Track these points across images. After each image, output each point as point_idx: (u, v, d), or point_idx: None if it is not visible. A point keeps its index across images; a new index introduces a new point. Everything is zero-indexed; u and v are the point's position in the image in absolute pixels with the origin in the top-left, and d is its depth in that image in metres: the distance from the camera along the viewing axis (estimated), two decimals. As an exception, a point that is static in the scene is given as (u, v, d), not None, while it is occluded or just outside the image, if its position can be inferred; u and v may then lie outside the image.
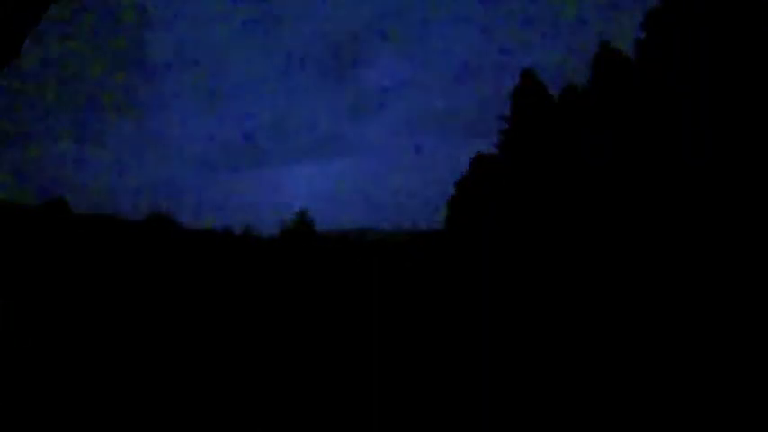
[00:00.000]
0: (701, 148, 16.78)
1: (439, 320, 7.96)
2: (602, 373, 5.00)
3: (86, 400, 4.58)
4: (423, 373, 5.28)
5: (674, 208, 17.48)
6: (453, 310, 8.76)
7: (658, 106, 19.33)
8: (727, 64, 16.53)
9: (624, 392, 4.48)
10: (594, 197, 22.95)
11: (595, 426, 3.93)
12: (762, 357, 5.10)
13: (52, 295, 9.20)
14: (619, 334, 6.47)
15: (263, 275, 14.49)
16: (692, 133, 17.33)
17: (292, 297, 10.59)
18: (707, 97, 17.00)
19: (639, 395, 4.39)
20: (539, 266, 15.74)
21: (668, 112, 18.58)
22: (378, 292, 11.44)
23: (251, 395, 4.73)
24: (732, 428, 3.75)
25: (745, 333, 6.08)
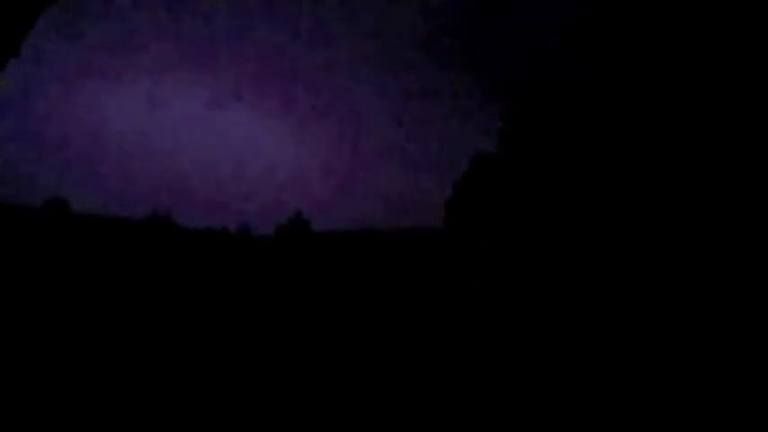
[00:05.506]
0: (703, 148, 16.74)
1: (438, 321, 7.95)
2: (602, 373, 4.99)
3: (86, 399, 4.58)
4: (422, 373, 5.26)
5: (676, 209, 17.43)
6: (453, 311, 8.75)
7: (659, 106, 19.29)
8: (729, 60, 16.50)
9: (623, 392, 4.47)
10: (596, 197, 22.87)
11: (595, 425, 3.92)
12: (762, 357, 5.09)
13: (51, 295, 9.20)
14: (619, 334, 6.46)
15: (261, 274, 14.51)
16: (695, 132, 17.28)
17: (290, 296, 10.58)
18: (708, 96, 16.96)
19: (639, 395, 4.38)
20: (539, 267, 15.72)
21: (670, 111, 18.54)
22: (376, 292, 11.43)
23: (249, 394, 4.72)
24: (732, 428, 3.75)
25: (743, 334, 6.07)
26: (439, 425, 4.01)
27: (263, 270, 15.48)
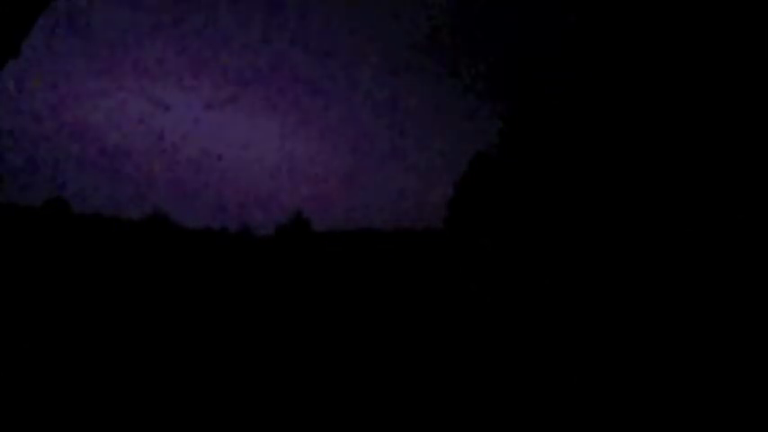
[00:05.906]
0: (705, 147, 16.71)
1: (439, 321, 7.95)
2: (603, 374, 4.99)
3: (86, 400, 4.58)
4: (422, 373, 5.27)
5: (677, 209, 17.40)
6: (453, 311, 8.76)
7: (660, 106, 19.26)
8: (731, 60, 16.47)
9: (624, 392, 4.47)
10: (596, 198, 22.83)
11: (595, 424, 3.92)
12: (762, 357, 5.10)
13: (52, 295, 9.20)
14: (620, 334, 6.47)
15: (261, 275, 14.51)
16: (696, 132, 17.25)
17: (290, 296, 10.58)
18: (710, 96, 16.93)
19: (639, 395, 4.39)
20: (539, 267, 15.71)
21: (671, 111, 18.51)
22: (377, 292, 11.44)
23: (249, 395, 4.72)
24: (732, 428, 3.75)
25: (743, 334, 6.07)
26: (439, 425, 4.01)
27: (264, 270, 15.48)
